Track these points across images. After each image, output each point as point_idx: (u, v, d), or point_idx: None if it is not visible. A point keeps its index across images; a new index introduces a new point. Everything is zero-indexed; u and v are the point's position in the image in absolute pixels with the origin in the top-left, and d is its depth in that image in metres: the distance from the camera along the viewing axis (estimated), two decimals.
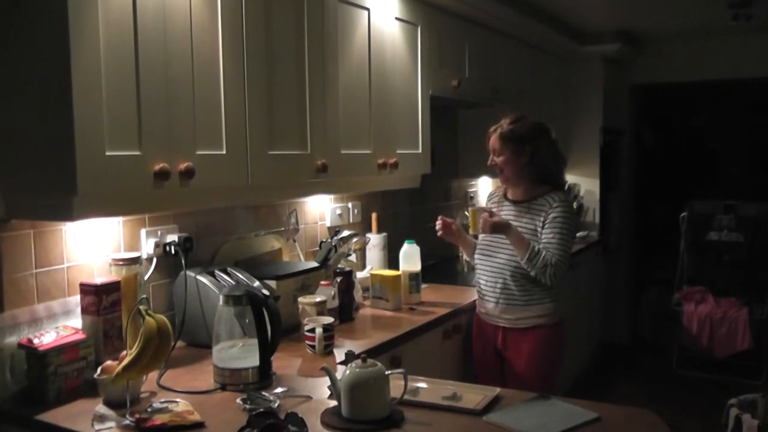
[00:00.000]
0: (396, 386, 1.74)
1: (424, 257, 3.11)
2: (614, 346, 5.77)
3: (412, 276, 2.99)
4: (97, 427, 1.67)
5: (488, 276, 2.82)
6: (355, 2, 2.72)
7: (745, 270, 5.42)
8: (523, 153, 2.73)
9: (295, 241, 2.96)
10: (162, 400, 1.79)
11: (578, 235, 5.17)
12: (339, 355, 2.24)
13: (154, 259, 2.33)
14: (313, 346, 2.25)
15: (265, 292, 2.10)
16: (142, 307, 1.79)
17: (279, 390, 1.89)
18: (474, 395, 1.88)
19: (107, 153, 1.75)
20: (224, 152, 2.11)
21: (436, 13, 3.32)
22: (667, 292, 5.73)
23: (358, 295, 2.84)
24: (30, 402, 1.85)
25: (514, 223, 2.73)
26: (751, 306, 5.03)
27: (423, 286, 3.08)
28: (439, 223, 2.93)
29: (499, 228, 2.66)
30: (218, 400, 1.86)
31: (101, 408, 1.78)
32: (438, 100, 3.39)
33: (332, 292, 2.57)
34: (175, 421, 1.66)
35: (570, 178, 5.49)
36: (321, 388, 1.90)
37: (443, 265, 3.86)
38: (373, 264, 3.27)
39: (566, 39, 4.96)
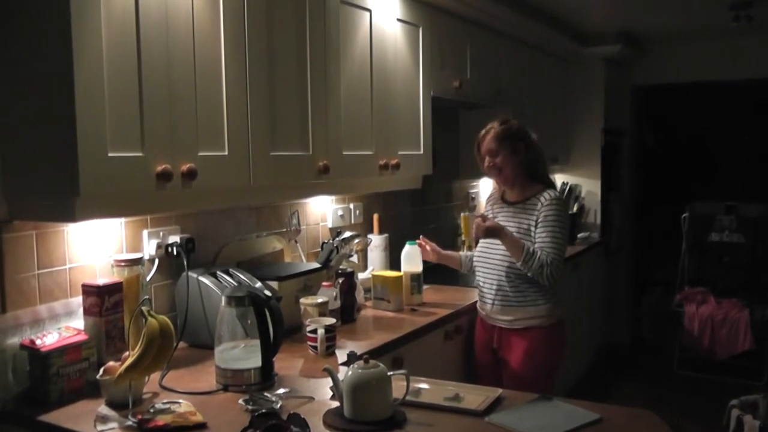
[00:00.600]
0: (398, 387, 1.74)
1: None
2: (615, 347, 5.77)
3: (414, 277, 2.99)
4: (100, 427, 1.67)
5: (485, 277, 2.84)
6: (356, 3, 2.72)
7: (746, 271, 5.42)
8: (519, 150, 2.76)
9: (296, 242, 2.97)
10: (164, 400, 1.80)
11: (579, 236, 5.19)
12: (341, 356, 2.24)
13: (156, 260, 2.33)
14: (315, 347, 2.25)
15: (267, 293, 2.11)
16: (144, 308, 1.79)
17: (281, 391, 1.89)
18: (476, 396, 1.88)
19: (110, 154, 1.75)
20: (226, 153, 2.11)
21: (438, 15, 3.33)
22: (668, 293, 5.74)
23: (359, 296, 2.85)
24: (32, 403, 1.85)
25: (511, 224, 2.74)
26: (752, 307, 5.03)
27: (424, 287, 3.09)
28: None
29: (492, 232, 2.67)
30: (220, 401, 1.86)
31: (104, 409, 1.78)
32: (439, 101, 3.39)
33: (334, 293, 2.57)
34: (178, 421, 1.66)
35: (571, 179, 5.50)
36: (323, 388, 1.90)
37: (445, 266, 3.85)
38: (375, 265, 3.27)
39: (567, 40, 4.97)
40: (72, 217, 1.77)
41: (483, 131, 2.82)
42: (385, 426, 1.66)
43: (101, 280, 2.06)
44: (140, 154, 1.84)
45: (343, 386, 1.69)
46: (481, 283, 2.87)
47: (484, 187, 4.67)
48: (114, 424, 1.69)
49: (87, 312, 2.02)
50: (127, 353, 1.84)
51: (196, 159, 1.98)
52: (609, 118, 5.55)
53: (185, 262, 2.31)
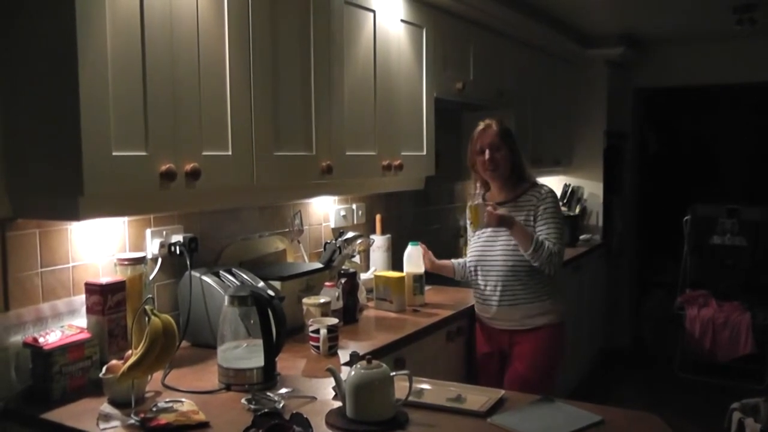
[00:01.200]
0: (400, 387, 1.74)
1: None
2: (616, 350, 5.77)
3: (416, 278, 2.99)
4: (102, 426, 1.68)
5: (487, 279, 2.82)
6: (360, 4, 2.73)
7: (748, 274, 5.42)
8: (516, 149, 2.82)
9: (299, 242, 2.97)
10: (167, 399, 1.80)
11: (581, 238, 5.19)
12: (343, 356, 2.25)
13: (159, 259, 2.34)
14: (317, 347, 2.25)
15: (270, 292, 2.10)
16: (147, 307, 1.80)
17: (284, 390, 1.89)
18: (478, 397, 1.88)
19: (114, 153, 1.75)
20: (230, 153, 2.12)
21: (442, 16, 3.33)
22: (669, 296, 5.73)
23: (362, 296, 2.85)
24: (35, 401, 1.85)
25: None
26: (754, 310, 5.03)
27: (427, 287, 3.09)
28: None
29: (506, 221, 2.68)
30: (223, 400, 1.86)
31: (106, 407, 1.78)
32: (442, 103, 3.39)
33: (336, 294, 2.57)
34: (180, 420, 1.66)
35: (573, 181, 5.49)
36: (325, 388, 1.90)
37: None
38: (377, 265, 3.27)
39: (570, 42, 4.97)
40: (75, 215, 1.77)
41: (481, 126, 2.83)
42: (388, 426, 1.66)
43: (104, 279, 2.06)
44: (144, 154, 1.84)
45: (346, 386, 1.70)
46: (482, 287, 2.85)
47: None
48: (116, 423, 1.69)
49: (90, 310, 2.02)
50: (129, 352, 1.84)
51: (199, 159, 1.98)
52: (611, 121, 5.55)
53: (188, 262, 2.31)
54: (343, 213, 3.27)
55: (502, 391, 1.92)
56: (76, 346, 1.90)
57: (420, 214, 3.99)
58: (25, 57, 1.79)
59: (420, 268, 3.01)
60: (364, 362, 1.72)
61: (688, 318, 5.19)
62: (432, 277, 3.19)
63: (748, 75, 5.45)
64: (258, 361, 1.94)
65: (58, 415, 1.76)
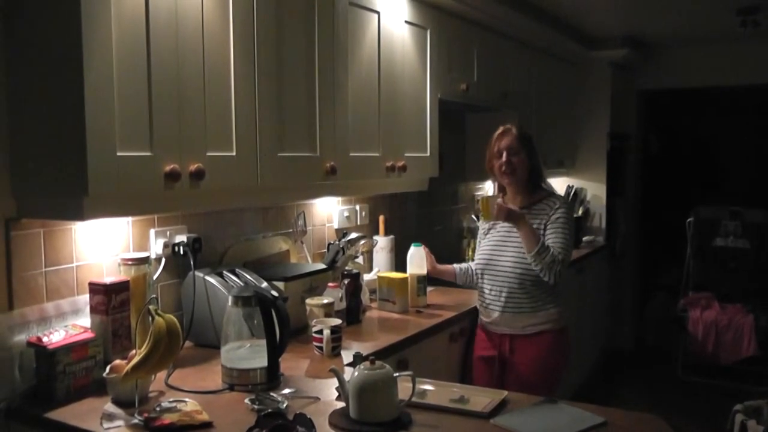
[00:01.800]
0: (404, 388, 1.74)
1: None
2: (619, 351, 5.77)
3: (419, 279, 2.99)
4: (106, 425, 1.68)
5: (493, 285, 2.81)
6: (365, 5, 2.73)
7: (751, 276, 5.41)
8: (534, 155, 2.80)
9: (302, 242, 2.97)
10: (170, 399, 1.80)
11: (584, 239, 5.18)
12: (346, 356, 2.25)
13: (163, 260, 2.34)
14: (320, 348, 2.26)
15: (274, 293, 2.11)
16: (151, 307, 1.80)
17: (287, 391, 1.89)
18: (481, 398, 1.88)
19: (118, 153, 1.76)
20: (234, 154, 2.12)
21: (446, 17, 3.33)
22: (672, 298, 5.73)
23: (365, 297, 2.85)
24: (39, 400, 1.85)
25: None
26: (757, 313, 5.02)
27: (430, 289, 3.09)
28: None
29: (514, 216, 2.67)
30: (227, 401, 1.86)
31: (110, 407, 1.79)
32: (446, 104, 3.39)
33: (340, 294, 2.58)
34: (184, 420, 1.66)
35: (576, 183, 5.49)
36: (329, 389, 1.90)
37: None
38: (380, 266, 3.27)
39: (574, 44, 4.96)
40: (80, 215, 1.78)
41: (501, 129, 2.82)
42: (391, 427, 1.66)
43: (108, 279, 2.06)
44: (149, 154, 1.84)
45: (350, 387, 1.70)
46: (486, 292, 2.84)
47: (490, 190, 4.67)
48: (120, 422, 1.70)
49: (94, 310, 2.02)
50: (133, 351, 1.85)
51: (204, 159, 1.98)
52: (615, 122, 5.54)
53: (192, 262, 2.32)
54: (346, 214, 3.27)
55: (505, 392, 1.92)
56: (80, 346, 1.90)
57: (423, 216, 3.99)
58: (30, 57, 1.79)
59: (423, 270, 3.01)
60: (367, 363, 1.72)
61: (691, 320, 5.18)
62: (435, 278, 3.19)
63: (751, 77, 5.44)
64: (261, 361, 1.94)
65: (61, 414, 1.77)
